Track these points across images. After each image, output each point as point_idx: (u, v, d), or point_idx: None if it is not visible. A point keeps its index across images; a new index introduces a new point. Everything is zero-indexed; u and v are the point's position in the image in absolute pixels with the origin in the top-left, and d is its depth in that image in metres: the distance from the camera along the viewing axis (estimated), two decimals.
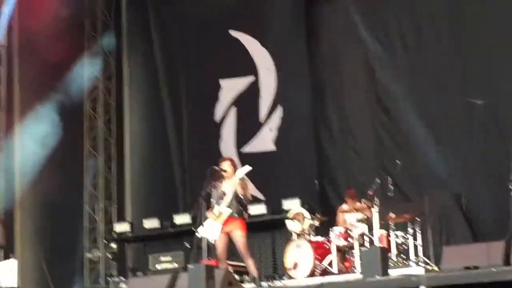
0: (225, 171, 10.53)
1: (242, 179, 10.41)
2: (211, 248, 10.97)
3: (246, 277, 11.13)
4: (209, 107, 15.53)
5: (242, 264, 10.95)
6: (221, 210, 10.35)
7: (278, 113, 14.83)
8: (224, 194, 10.41)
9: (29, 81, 14.76)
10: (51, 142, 14.62)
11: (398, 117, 13.37)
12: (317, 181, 13.50)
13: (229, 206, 10.36)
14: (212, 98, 15.52)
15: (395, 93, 13.43)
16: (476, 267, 8.07)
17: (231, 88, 15.40)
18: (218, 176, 10.66)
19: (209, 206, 10.47)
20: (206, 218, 10.45)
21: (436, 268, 9.89)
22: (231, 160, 10.78)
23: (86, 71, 15.95)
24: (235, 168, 10.57)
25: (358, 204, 11.66)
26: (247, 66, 15.14)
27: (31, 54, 14.63)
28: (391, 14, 13.72)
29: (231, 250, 10.68)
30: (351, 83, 13.99)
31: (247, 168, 10.41)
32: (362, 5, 13.94)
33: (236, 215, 10.35)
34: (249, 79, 15.20)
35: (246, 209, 10.61)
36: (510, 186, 9.45)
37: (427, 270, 9.88)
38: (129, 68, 16.88)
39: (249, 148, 14.91)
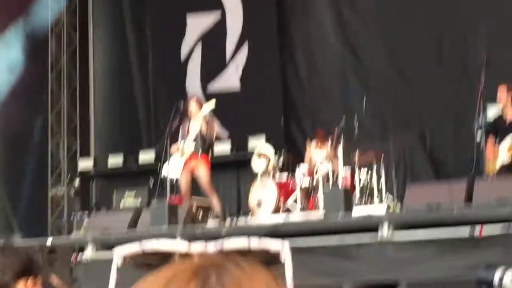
0: (191, 109, 10.47)
1: (207, 118, 10.36)
2: (175, 185, 10.97)
3: (210, 214, 11.14)
4: (175, 44, 15.36)
5: (206, 202, 10.95)
6: (185, 147, 10.32)
7: (245, 50, 14.70)
8: (189, 131, 10.37)
9: None
10: (16, 71, 14.43)
11: (366, 57, 13.33)
12: (282, 118, 13.44)
13: (193, 143, 10.32)
14: (177, 34, 15.34)
15: (364, 33, 13.38)
16: (438, 205, 8.14)
17: (197, 24, 15.23)
18: (184, 114, 10.60)
19: (174, 143, 10.44)
20: (170, 155, 10.42)
21: (399, 206, 9.95)
22: (198, 99, 10.71)
23: (52, 2, 15.68)
24: (201, 107, 10.51)
25: (325, 146, 11.64)
26: (214, 2, 14.96)
27: None
28: None
29: (196, 187, 10.67)
30: (319, 24, 13.88)
31: (212, 104, 10.35)
32: None
33: (200, 152, 10.32)
34: (216, 15, 15.02)
35: (210, 147, 10.57)
36: (474, 127, 9.52)
37: (389, 209, 9.94)
38: (93, 4, 16.60)
39: (214, 85, 14.81)
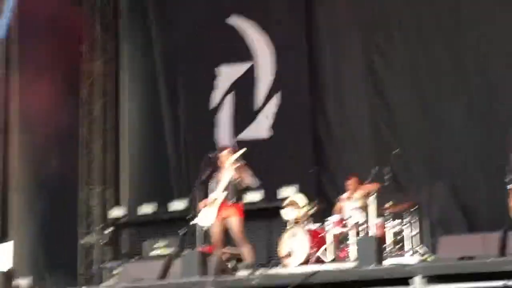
0: (222, 158, 10.47)
1: (239, 165, 10.35)
2: (206, 235, 10.94)
3: (241, 264, 11.08)
4: (206, 94, 15.47)
5: (237, 251, 10.90)
6: (216, 195, 10.31)
7: (275, 100, 14.76)
8: (221, 181, 10.37)
9: None
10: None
11: (397, 108, 13.32)
12: (313, 169, 13.40)
13: (224, 192, 10.30)
14: (209, 84, 15.46)
15: (394, 84, 13.40)
16: (471, 258, 8.05)
17: (228, 74, 15.34)
18: (216, 165, 10.61)
19: (203, 196, 10.42)
20: (199, 210, 10.40)
21: (431, 258, 9.85)
22: (231, 149, 10.71)
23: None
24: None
25: (357, 193, 11.57)
26: (245, 52, 15.08)
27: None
28: (392, 5, 13.65)
29: (227, 237, 10.63)
30: (350, 74, 13.93)
31: (241, 152, 10.37)
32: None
33: (232, 200, 10.29)
34: (247, 65, 15.13)
35: (242, 196, 10.53)
36: (507, 179, 9.43)
37: (422, 260, 9.83)
38: (126, 55, 16.80)
39: (244, 135, 14.84)
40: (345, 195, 11.85)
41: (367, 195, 11.16)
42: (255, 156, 11.90)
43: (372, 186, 11.15)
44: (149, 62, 16.26)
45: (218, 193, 10.31)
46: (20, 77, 15.01)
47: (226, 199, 10.29)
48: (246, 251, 10.45)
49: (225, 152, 10.54)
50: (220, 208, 10.30)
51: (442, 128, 12.80)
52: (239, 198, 10.39)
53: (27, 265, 14.28)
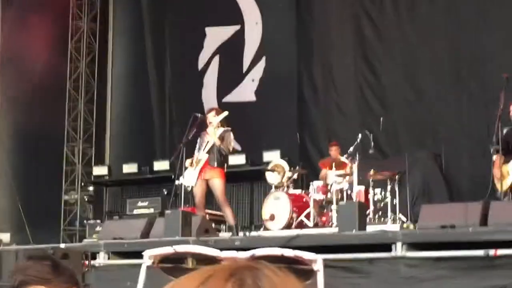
0: (210, 122, 10.45)
1: (224, 129, 10.35)
2: (189, 195, 10.96)
3: (223, 226, 11.14)
4: (193, 55, 15.42)
5: (219, 213, 10.95)
6: (200, 156, 10.32)
7: (262, 64, 14.73)
8: (206, 143, 10.37)
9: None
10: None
11: (384, 75, 13.33)
12: (298, 134, 13.43)
13: (208, 154, 10.31)
14: (196, 46, 15.40)
15: (382, 52, 13.39)
16: (452, 226, 8.10)
17: (216, 36, 15.28)
18: (202, 125, 10.59)
19: (189, 155, 10.43)
20: (185, 168, 10.42)
21: (412, 226, 9.92)
22: (217, 111, 10.69)
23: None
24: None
25: (340, 159, 11.63)
26: (234, 16, 15.02)
27: None
28: None
29: (209, 199, 10.66)
30: (338, 40, 13.91)
31: (224, 113, 10.36)
32: None
33: (216, 163, 10.30)
34: (234, 28, 15.08)
35: (226, 160, 10.55)
36: (490, 149, 9.49)
37: (403, 227, 9.91)
38: (114, 11, 16.70)
39: (230, 97, 14.83)
40: (329, 160, 11.88)
41: (350, 163, 11.21)
42: (240, 118, 11.91)
43: (346, 165, 11.25)
44: (137, 21, 16.17)
45: (202, 154, 10.32)
46: (4, 23, 14.82)
47: (209, 161, 10.30)
48: (228, 214, 10.49)
49: (211, 114, 10.53)
50: (203, 170, 10.32)
51: (428, 98, 12.83)
52: (222, 162, 10.40)
53: (7, 220, 14.27)
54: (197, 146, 10.46)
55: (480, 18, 12.49)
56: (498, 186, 9.36)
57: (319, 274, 1.21)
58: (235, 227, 10.51)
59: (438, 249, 7.78)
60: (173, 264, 1.32)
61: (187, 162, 10.33)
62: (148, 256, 1.29)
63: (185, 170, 10.34)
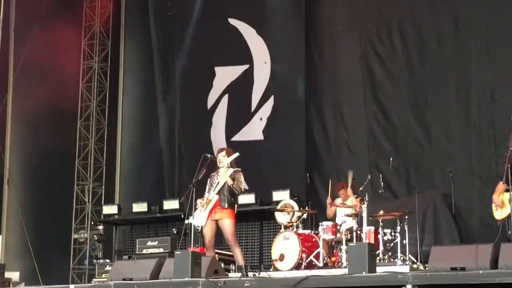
0: (220, 161, 10.48)
1: (235, 169, 10.38)
2: (198, 236, 10.96)
3: (232, 266, 11.12)
4: (202, 94, 15.50)
5: (229, 253, 10.94)
6: (210, 197, 10.33)
7: (270, 103, 14.80)
8: (217, 183, 10.38)
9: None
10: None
11: (394, 115, 13.37)
12: (308, 174, 13.44)
13: (218, 194, 10.32)
14: (206, 85, 15.49)
15: (392, 92, 13.44)
16: (463, 268, 8.08)
17: (225, 75, 15.38)
18: (212, 165, 10.62)
19: (199, 195, 10.44)
20: (195, 205, 10.43)
21: (422, 267, 9.90)
22: (228, 150, 10.71)
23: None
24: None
25: (349, 200, 11.64)
26: (243, 55, 15.13)
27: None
28: (392, 13, 13.70)
29: (219, 239, 10.66)
30: (348, 79, 13.98)
31: (235, 155, 10.40)
32: (363, 2, 13.95)
33: (226, 204, 10.31)
34: (243, 68, 15.17)
35: (236, 200, 10.55)
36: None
37: (413, 269, 9.88)
38: (124, 51, 16.84)
39: (238, 136, 14.88)
40: (338, 201, 11.89)
41: (359, 202, 11.21)
42: (248, 157, 11.96)
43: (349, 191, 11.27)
44: (147, 60, 16.30)
45: (212, 195, 10.33)
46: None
47: (220, 201, 10.32)
48: (238, 254, 10.48)
49: (221, 154, 10.56)
50: (213, 210, 10.33)
51: (437, 138, 12.85)
52: (233, 202, 10.42)
53: (17, 258, 14.27)
54: (207, 187, 10.48)
55: (489, 57, 12.55)
56: (494, 214, 9.37)
57: None
58: (244, 267, 10.49)
59: None
60: None
61: (198, 202, 10.35)
62: None
63: (195, 210, 10.36)
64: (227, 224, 10.30)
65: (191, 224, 10.67)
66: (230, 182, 10.22)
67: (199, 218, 10.33)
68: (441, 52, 13.04)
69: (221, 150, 10.68)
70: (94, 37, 16.44)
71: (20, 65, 14.77)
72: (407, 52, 13.39)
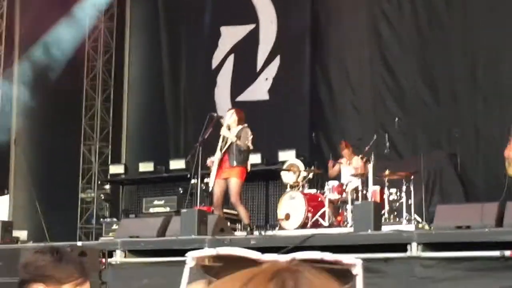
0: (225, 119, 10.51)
1: (242, 127, 10.41)
2: (204, 194, 11.03)
3: (238, 225, 11.20)
4: (208, 55, 15.48)
5: (235, 212, 11.01)
6: (218, 156, 10.39)
7: (276, 62, 14.77)
8: (225, 142, 10.43)
9: (31, 14, 14.63)
10: (52, 76, 14.61)
11: (400, 75, 13.34)
12: (314, 134, 13.45)
13: (227, 153, 10.36)
14: (211, 45, 15.46)
15: (400, 52, 13.40)
16: (468, 227, 8.14)
17: (230, 35, 15.34)
18: (217, 124, 10.66)
19: (206, 154, 10.49)
20: (205, 165, 10.49)
21: (427, 226, 9.96)
22: (237, 110, 10.73)
23: (88, 10, 15.84)
24: (239, 117, 10.54)
25: (355, 159, 11.67)
26: (249, 15, 15.07)
27: None
28: None
29: (227, 198, 10.72)
30: (355, 39, 13.92)
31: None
32: None
33: (235, 162, 10.35)
34: (249, 27, 15.13)
35: (246, 158, 10.56)
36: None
37: (419, 228, 9.94)
38: (130, 11, 16.79)
39: (243, 96, 14.88)
40: (343, 160, 11.92)
41: (364, 162, 11.25)
42: (253, 117, 11.97)
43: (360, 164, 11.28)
44: (153, 20, 16.26)
45: (220, 154, 10.38)
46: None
47: (229, 160, 10.36)
48: (242, 213, 10.56)
49: (229, 113, 10.59)
50: (221, 169, 10.38)
51: (444, 98, 12.85)
52: (243, 160, 10.44)
53: (25, 218, 14.38)
54: (219, 146, 10.52)
55: (496, 19, 12.50)
56: (508, 170, 9.37)
57: (358, 278, 1.26)
58: (249, 226, 10.57)
59: (454, 250, 7.81)
60: (215, 265, 1.37)
61: (208, 162, 10.39)
62: (192, 258, 1.35)
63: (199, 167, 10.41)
64: (233, 183, 10.37)
65: (197, 183, 10.73)
66: (234, 139, 10.25)
67: (208, 177, 10.43)
68: (449, 14, 12.97)
69: (229, 109, 10.69)
70: None
71: (26, 25, 14.72)
72: (415, 12, 13.32)
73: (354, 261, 1.22)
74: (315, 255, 1.22)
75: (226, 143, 10.37)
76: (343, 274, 1.22)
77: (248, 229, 10.50)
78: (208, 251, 1.34)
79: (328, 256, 1.22)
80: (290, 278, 1.16)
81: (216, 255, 1.36)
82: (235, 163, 10.33)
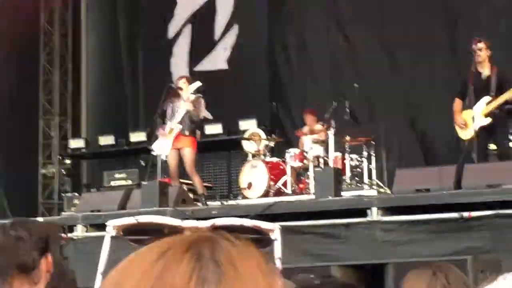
0: (181, 89, 10.48)
1: (195, 97, 10.38)
2: (166, 166, 10.99)
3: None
4: (165, 24, 15.32)
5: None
6: (172, 126, 10.35)
7: (234, 32, 14.68)
8: (177, 111, 10.40)
9: None
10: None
11: (358, 44, 13.32)
12: (274, 103, 13.41)
13: (180, 123, 10.33)
14: (167, 14, 15.30)
15: (357, 20, 13.37)
16: (427, 190, 8.20)
17: (187, 4, 15.19)
18: (175, 94, 10.61)
19: (164, 124, 10.46)
20: (157, 137, 10.46)
21: (388, 191, 10.02)
22: (187, 78, 10.71)
23: None
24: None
25: (316, 127, 11.68)
26: None
27: None
28: None
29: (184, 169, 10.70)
30: (312, 6, 13.87)
31: (197, 83, 10.39)
32: None
33: (187, 132, 10.33)
34: None
35: (198, 128, 10.58)
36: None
37: (379, 192, 10.00)
38: None
39: (201, 66, 14.78)
40: (305, 129, 11.93)
41: (325, 129, 11.26)
42: (212, 87, 11.92)
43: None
44: None
45: (175, 124, 10.35)
46: None
47: (181, 129, 10.33)
48: (197, 182, 10.56)
49: (181, 81, 10.55)
50: (175, 139, 10.35)
51: (403, 64, 12.87)
52: (193, 130, 10.43)
53: None
54: (168, 115, 10.47)
55: None
56: (461, 135, 9.37)
57: (277, 243, 1.26)
58: (203, 195, 10.57)
59: (413, 213, 7.87)
60: (138, 234, 1.35)
61: (160, 132, 10.36)
62: (112, 227, 1.32)
63: (154, 139, 10.38)
64: (187, 152, 10.37)
65: (159, 155, 10.69)
66: (190, 107, 10.22)
67: (162, 147, 10.36)
68: None
69: (180, 77, 10.65)
70: None
71: None
72: None
73: (272, 226, 1.21)
74: (235, 221, 1.21)
75: (179, 112, 10.33)
76: (263, 239, 1.22)
77: (201, 199, 10.49)
78: (127, 220, 1.31)
79: (247, 222, 1.21)
80: (206, 247, 1.15)
81: (138, 223, 1.33)
82: (187, 133, 10.31)
